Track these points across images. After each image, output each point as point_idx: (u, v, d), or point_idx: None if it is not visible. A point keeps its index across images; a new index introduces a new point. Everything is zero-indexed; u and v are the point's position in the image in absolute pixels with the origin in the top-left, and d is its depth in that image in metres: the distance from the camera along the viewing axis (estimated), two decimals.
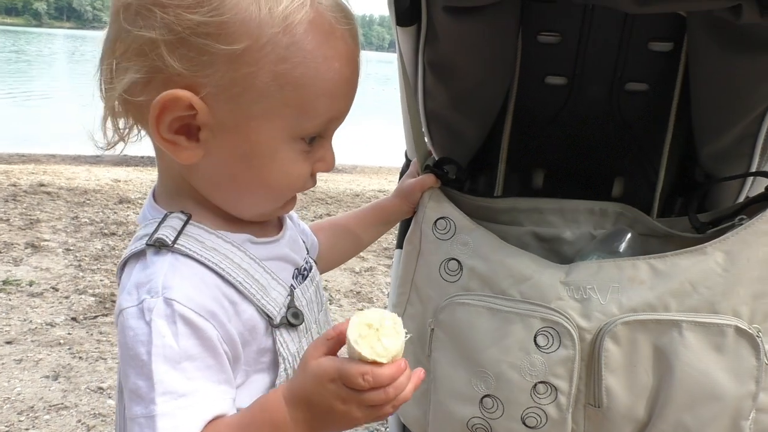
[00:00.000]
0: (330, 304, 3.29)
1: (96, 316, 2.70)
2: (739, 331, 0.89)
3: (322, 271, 0.95)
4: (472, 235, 0.98)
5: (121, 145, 0.68)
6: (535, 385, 0.92)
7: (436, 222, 1.00)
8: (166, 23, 0.58)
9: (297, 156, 0.66)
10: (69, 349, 2.39)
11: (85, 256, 3.45)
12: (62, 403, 2.04)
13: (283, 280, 0.71)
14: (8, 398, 2.03)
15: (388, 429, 1.56)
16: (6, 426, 1.89)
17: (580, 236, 1.09)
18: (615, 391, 0.91)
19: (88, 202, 4.80)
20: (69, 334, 2.51)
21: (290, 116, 0.63)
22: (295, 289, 0.72)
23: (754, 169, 1.08)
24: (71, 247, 3.57)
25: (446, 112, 1.16)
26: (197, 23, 0.58)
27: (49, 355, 2.34)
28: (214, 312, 0.62)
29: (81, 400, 2.06)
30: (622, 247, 1.04)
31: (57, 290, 2.92)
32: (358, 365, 0.57)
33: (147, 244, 0.63)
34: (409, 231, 1.05)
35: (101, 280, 3.10)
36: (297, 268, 0.75)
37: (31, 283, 2.96)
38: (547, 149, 1.38)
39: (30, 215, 4.01)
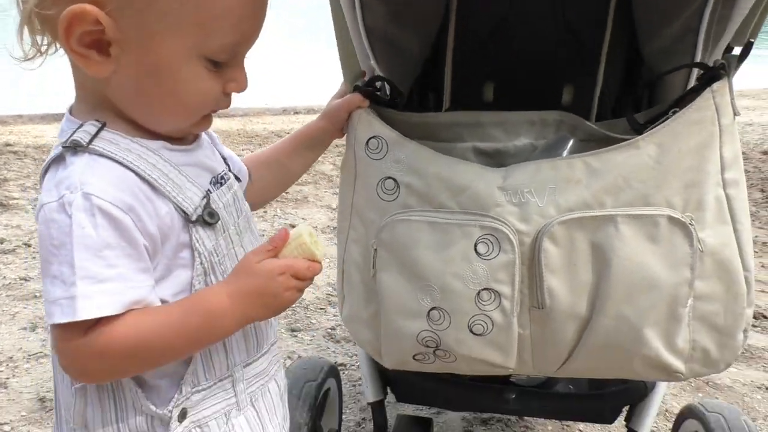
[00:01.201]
0: None
1: None
2: (672, 220, 0.90)
3: (254, 206, 0.96)
4: (404, 151, 0.98)
5: (40, 59, 0.71)
6: (479, 292, 0.93)
7: (367, 142, 0.99)
8: None
9: (204, 74, 0.70)
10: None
11: None
12: (41, 352, 2.06)
13: (199, 183, 0.75)
14: None
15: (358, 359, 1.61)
16: None
17: (522, 148, 1.09)
18: (557, 291, 0.93)
19: None
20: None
21: (193, 34, 0.67)
22: (211, 192, 0.76)
23: None
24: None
25: (386, 27, 1.13)
26: None
27: (25, 308, 2.35)
28: (131, 205, 0.67)
29: None
30: (564, 154, 1.04)
31: (29, 246, 2.91)
32: (304, 261, 0.75)
33: (63, 147, 0.68)
34: (343, 156, 1.04)
35: None
36: (214, 176, 0.80)
37: (2, 241, 2.95)
38: (495, 61, 1.37)
39: None
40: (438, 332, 0.96)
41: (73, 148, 0.67)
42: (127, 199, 0.66)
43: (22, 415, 1.73)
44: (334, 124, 1.02)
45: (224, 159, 0.86)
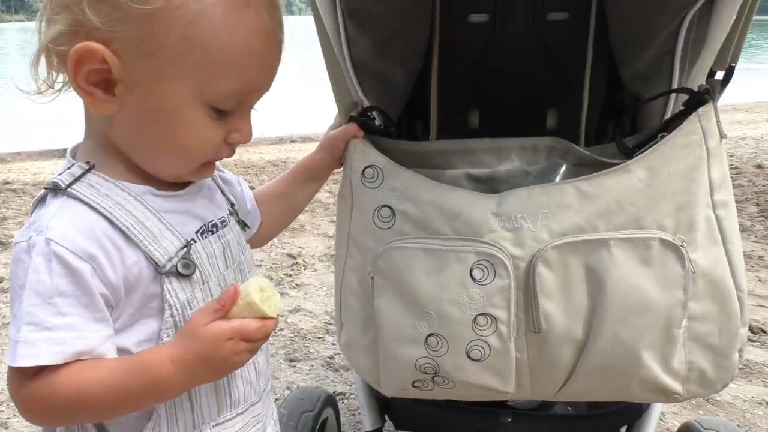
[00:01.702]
0: (305, 269, 3.30)
1: None
2: (663, 242, 0.92)
3: (262, 242, 0.98)
4: (399, 179, 0.99)
5: (51, 94, 0.72)
6: (476, 317, 0.94)
7: (363, 171, 1.01)
8: None
9: (207, 121, 0.70)
10: None
11: None
12: None
13: (181, 232, 0.73)
14: None
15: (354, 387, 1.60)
16: None
17: (515, 173, 1.10)
18: (552, 315, 0.94)
19: None
20: None
21: (198, 79, 0.67)
22: (195, 243, 0.74)
23: (675, 86, 1.10)
24: None
25: (371, 60, 1.15)
26: None
27: None
28: (92, 254, 0.66)
29: None
30: (557, 179, 1.06)
31: None
32: (254, 321, 0.70)
33: (44, 188, 0.69)
34: (340, 185, 1.05)
35: None
36: (204, 224, 0.78)
37: (1, 280, 2.94)
38: (479, 88, 1.39)
39: None
40: (436, 358, 0.97)
41: (53, 189, 0.68)
42: (90, 247, 0.65)
43: None
44: (333, 154, 1.03)
45: (232, 204, 0.85)
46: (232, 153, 0.75)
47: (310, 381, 2.17)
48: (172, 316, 0.71)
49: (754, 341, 2.55)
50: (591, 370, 0.95)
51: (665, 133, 0.96)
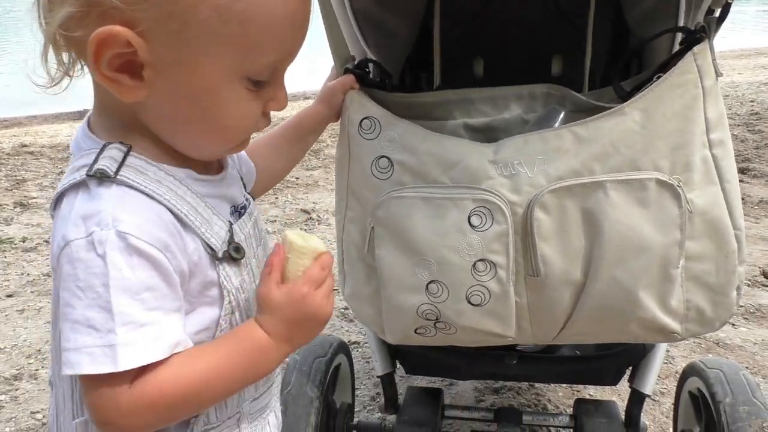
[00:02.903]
0: (318, 224, 3.34)
1: None
2: (660, 183, 0.92)
3: (259, 192, 0.96)
4: (397, 130, 1.00)
5: (66, 81, 0.65)
6: (475, 263, 0.96)
7: (360, 123, 1.01)
8: None
9: (245, 95, 0.64)
10: None
11: None
12: None
13: (223, 216, 0.71)
14: (15, 345, 2.12)
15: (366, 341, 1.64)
16: (17, 369, 1.98)
17: (512, 122, 1.10)
18: (550, 259, 0.95)
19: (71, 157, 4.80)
20: None
21: (235, 53, 0.61)
22: (233, 225, 0.72)
23: None
24: None
25: (373, 10, 1.15)
26: None
27: (49, 303, 2.41)
28: (167, 243, 0.62)
29: None
30: (556, 126, 1.05)
31: (50, 243, 2.99)
32: (314, 265, 0.70)
33: (87, 175, 0.61)
34: (338, 137, 1.06)
35: None
36: (234, 206, 0.75)
37: (24, 240, 3.03)
38: (483, 37, 1.38)
39: (15, 176, 4.02)
40: (437, 305, 0.99)
41: (99, 177, 0.61)
42: (163, 236, 0.61)
43: None
44: (332, 107, 1.03)
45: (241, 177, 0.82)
46: (269, 122, 0.71)
47: (325, 331, 2.21)
48: (230, 302, 0.69)
49: (767, 285, 2.55)
50: (589, 312, 0.97)
51: (661, 74, 0.96)
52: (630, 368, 1.27)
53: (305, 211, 3.57)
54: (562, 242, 0.95)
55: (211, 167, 0.73)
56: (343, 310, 2.36)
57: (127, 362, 0.58)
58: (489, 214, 0.95)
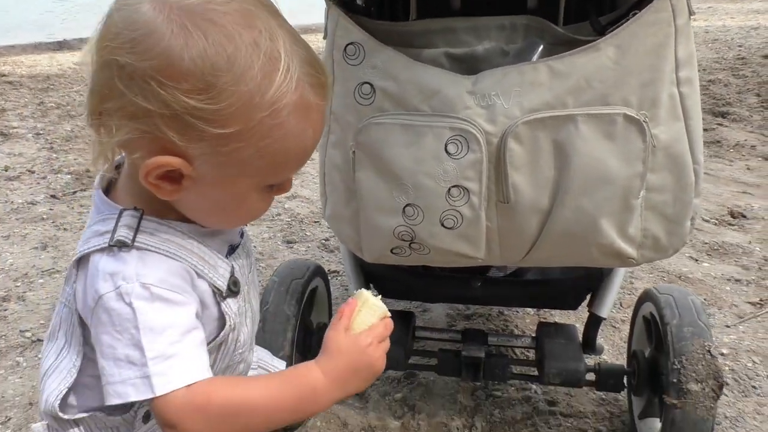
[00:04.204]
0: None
1: (75, 192, 2.79)
2: (627, 118, 0.97)
3: None
4: (380, 57, 1.03)
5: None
6: (449, 189, 1.01)
7: (345, 48, 1.04)
8: (163, 99, 0.62)
9: (264, 196, 0.74)
10: (53, 222, 2.51)
11: (56, 138, 3.47)
12: (53, 268, 2.17)
13: (224, 256, 0.79)
14: (2, 269, 2.16)
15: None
16: (4, 291, 2.03)
17: (493, 52, 1.13)
18: (520, 187, 1.01)
19: (52, 87, 4.71)
20: (51, 209, 2.62)
21: (265, 174, 0.71)
22: (234, 264, 0.80)
23: None
24: (41, 131, 3.58)
25: None
26: (193, 107, 0.62)
27: (34, 229, 2.45)
28: (183, 287, 0.72)
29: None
30: (534, 58, 1.09)
31: (33, 172, 2.99)
32: (380, 323, 0.78)
33: (110, 245, 0.70)
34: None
35: (75, 159, 3.16)
36: (232, 245, 0.83)
37: (6, 169, 3.02)
38: None
39: None
40: (413, 227, 1.05)
41: (120, 246, 0.70)
42: (179, 282, 0.71)
43: (40, 323, 1.86)
44: None
45: None
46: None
47: (304, 257, 2.29)
48: (230, 324, 0.78)
49: (733, 225, 2.66)
50: (554, 237, 1.03)
51: (637, 11, 0.99)
52: (589, 295, 1.35)
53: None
54: (533, 172, 1.00)
55: None
56: (324, 241, 2.43)
57: (161, 388, 0.67)
58: (465, 142, 0.99)
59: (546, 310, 1.94)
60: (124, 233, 0.70)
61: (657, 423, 1.26)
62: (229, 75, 0.62)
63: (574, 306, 1.42)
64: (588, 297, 1.36)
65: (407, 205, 1.04)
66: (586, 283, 1.31)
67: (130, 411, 0.78)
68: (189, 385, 0.69)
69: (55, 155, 3.22)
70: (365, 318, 0.78)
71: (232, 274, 0.78)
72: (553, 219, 1.02)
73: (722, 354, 1.74)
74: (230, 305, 0.78)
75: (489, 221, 1.04)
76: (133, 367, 0.67)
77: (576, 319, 1.86)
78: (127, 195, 0.75)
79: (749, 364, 1.69)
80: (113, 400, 0.69)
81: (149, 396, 0.67)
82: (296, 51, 0.67)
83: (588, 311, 1.33)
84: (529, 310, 1.94)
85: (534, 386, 1.59)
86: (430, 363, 1.42)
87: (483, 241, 1.06)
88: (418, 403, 1.52)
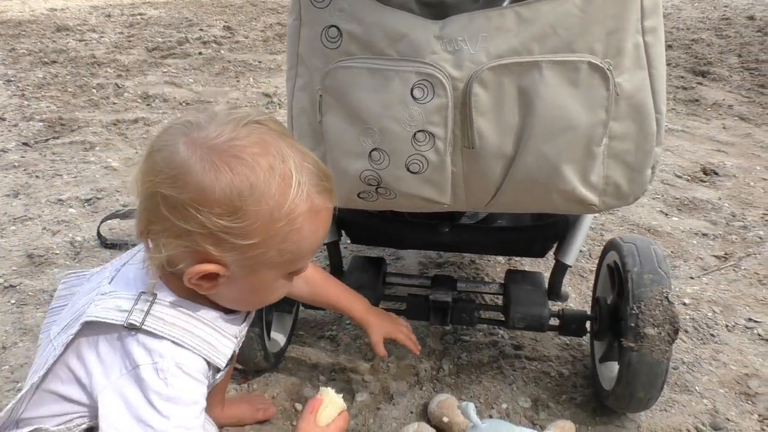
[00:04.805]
0: (280, 107, 3.34)
1: (47, 140, 2.76)
2: (591, 66, 0.98)
3: None
4: (347, 0, 1.02)
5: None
6: (415, 134, 1.02)
7: None
8: (200, 222, 0.75)
9: (286, 282, 0.89)
10: (24, 170, 2.49)
11: (28, 85, 3.41)
12: (25, 215, 2.17)
13: (232, 334, 0.92)
14: None
15: None
16: None
17: None
18: (485, 132, 1.02)
19: (24, 33, 4.60)
20: (22, 157, 2.59)
21: (286, 267, 0.85)
22: (236, 337, 0.94)
23: None
24: (12, 78, 3.51)
25: None
26: (223, 226, 0.76)
27: (5, 177, 2.43)
28: (205, 371, 0.86)
29: (43, 212, 2.20)
30: (505, 4, 1.08)
31: (4, 119, 2.94)
32: (338, 418, 0.98)
33: (125, 326, 0.81)
34: (290, 5, 1.08)
35: (47, 107, 3.11)
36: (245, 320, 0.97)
37: None
38: None
39: None
40: (379, 171, 1.06)
41: (137, 329, 0.81)
42: (201, 366, 0.85)
43: (13, 270, 1.86)
44: (364, 328, 1.29)
45: None
46: None
47: None
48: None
49: (704, 182, 2.70)
50: (517, 183, 1.05)
51: None
52: (557, 243, 1.38)
53: (267, 95, 3.55)
54: (497, 117, 1.01)
55: None
56: None
57: None
58: (431, 87, 1.00)
59: (516, 259, 1.98)
60: (135, 317, 0.82)
61: (616, 366, 1.30)
62: (252, 198, 0.76)
63: (541, 254, 1.46)
64: (555, 246, 1.39)
65: (373, 150, 1.04)
66: (552, 231, 1.34)
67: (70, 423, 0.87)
68: None
69: (26, 102, 3.17)
70: (330, 412, 0.96)
71: (234, 351, 0.93)
72: (517, 165, 1.03)
73: (684, 304, 1.79)
74: (219, 374, 0.93)
75: (454, 166, 1.06)
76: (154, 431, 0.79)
77: (545, 268, 1.90)
78: (163, 274, 0.84)
79: (709, 314, 1.75)
80: None
81: None
82: (305, 166, 0.81)
83: (554, 259, 1.36)
84: (500, 259, 1.98)
85: (501, 331, 1.64)
86: (401, 308, 1.45)
87: (448, 186, 1.07)
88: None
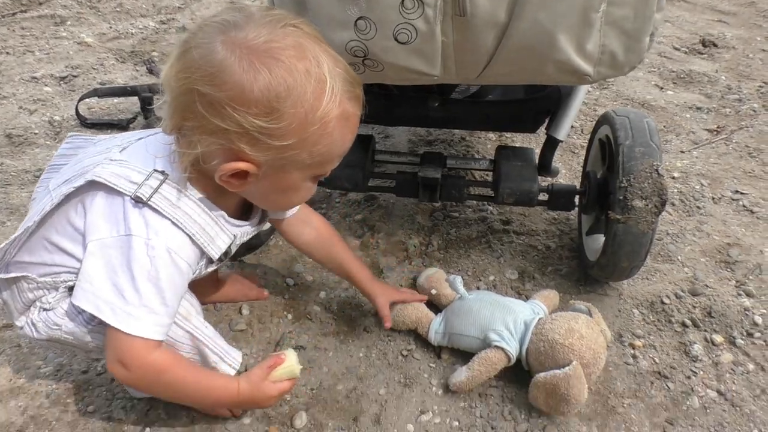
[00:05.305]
0: None
1: (14, 13, 2.61)
2: None
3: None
4: None
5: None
6: (403, 1, 0.96)
7: None
8: (237, 120, 0.77)
9: (312, 184, 0.92)
10: None
11: None
12: (1, 94, 2.10)
13: (232, 232, 0.95)
14: None
15: None
16: None
17: None
18: None
19: None
20: None
21: (314, 169, 0.87)
22: (239, 229, 0.97)
23: None
24: None
25: None
26: (259, 126, 0.78)
27: None
28: (195, 259, 0.90)
29: (18, 90, 2.12)
30: None
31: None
32: (286, 383, 1.00)
33: (132, 198, 0.85)
34: None
35: None
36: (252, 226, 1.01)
37: None
38: None
39: None
40: (365, 42, 1.01)
41: (136, 201, 0.85)
42: (192, 254, 0.89)
43: None
44: (374, 300, 1.25)
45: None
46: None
47: None
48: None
49: (702, 54, 2.63)
50: (510, 53, 1.00)
51: None
52: (548, 119, 1.35)
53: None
54: None
55: (240, 213, 0.99)
56: None
57: (131, 329, 0.83)
58: None
59: (508, 135, 1.95)
60: (144, 191, 0.85)
61: (602, 238, 1.32)
62: (289, 100, 0.77)
63: (532, 129, 1.43)
64: (547, 121, 1.37)
65: (359, 18, 0.99)
66: (544, 105, 1.30)
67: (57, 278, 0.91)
68: (157, 343, 0.86)
69: None
70: (282, 374, 1.00)
71: (229, 246, 0.95)
72: (510, 33, 0.98)
73: (674, 177, 1.80)
74: (210, 266, 0.97)
75: (444, 36, 1.00)
76: (121, 299, 0.83)
77: (536, 144, 1.88)
78: (183, 160, 0.85)
79: (697, 187, 1.76)
80: (86, 306, 0.84)
81: (118, 327, 0.83)
82: (337, 72, 0.82)
83: (545, 134, 1.34)
84: (491, 135, 1.95)
85: (490, 208, 1.65)
86: (390, 186, 1.44)
87: (438, 57, 1.03)
88: (377, 223, 1.57)
